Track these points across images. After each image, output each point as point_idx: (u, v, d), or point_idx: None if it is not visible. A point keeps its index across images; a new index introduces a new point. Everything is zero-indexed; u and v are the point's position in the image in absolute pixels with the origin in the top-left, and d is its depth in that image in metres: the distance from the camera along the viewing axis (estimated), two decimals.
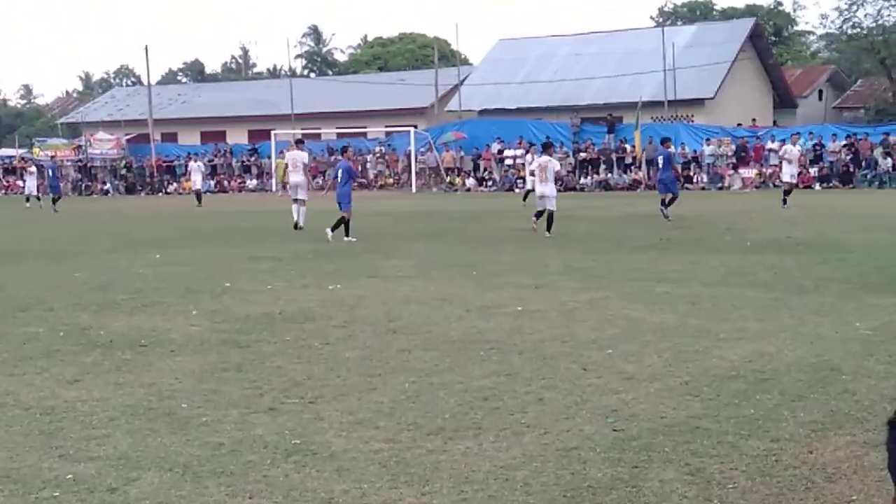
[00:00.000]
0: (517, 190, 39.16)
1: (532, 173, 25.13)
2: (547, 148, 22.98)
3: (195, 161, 42.67)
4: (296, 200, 24.02)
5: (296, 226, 23.74)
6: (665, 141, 26.32)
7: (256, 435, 6.52)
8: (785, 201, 26.85)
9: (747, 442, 6.15)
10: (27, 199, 41.71)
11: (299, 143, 27.00)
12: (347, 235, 20.57)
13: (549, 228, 20.87)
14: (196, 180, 39.33)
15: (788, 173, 28.49)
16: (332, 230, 20.52)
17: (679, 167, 30.48)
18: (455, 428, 6.58)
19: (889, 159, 39.01)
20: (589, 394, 7.41)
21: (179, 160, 54.92)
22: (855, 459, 5.80)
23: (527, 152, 40.08)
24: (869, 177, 39.10)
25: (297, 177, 24.25)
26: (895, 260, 15.18)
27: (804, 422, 6.57)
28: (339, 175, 21.53)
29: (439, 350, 9.10)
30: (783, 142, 41.42)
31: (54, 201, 37.95)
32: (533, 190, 24.50)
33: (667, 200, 24.28)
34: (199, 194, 38.17)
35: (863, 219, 22.82)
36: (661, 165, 25.19)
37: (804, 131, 42.61)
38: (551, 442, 6.24)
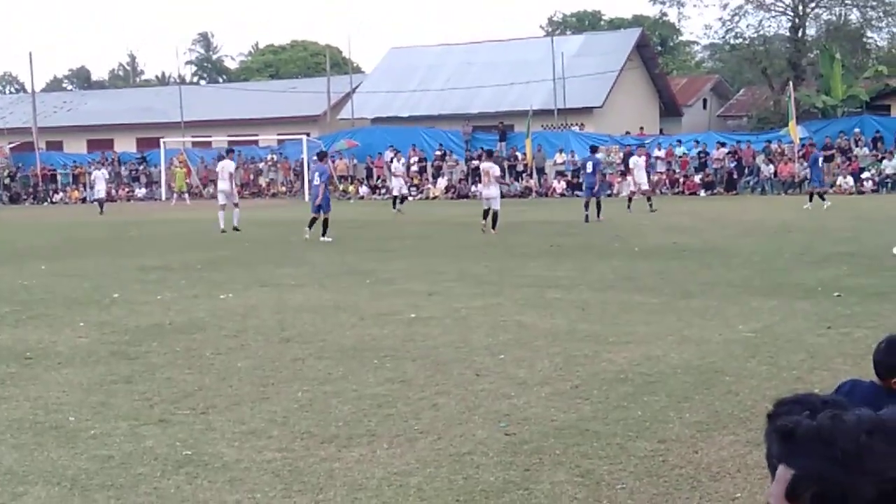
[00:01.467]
0: (410, 199, 39.26)
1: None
2: (490, 155, 26.03)
3: (99, 169, 42.09)
4: (223, 207, 25.43)
5: (223, 230, 24.95)
6: (594, 148, 29.44)
7: (147, 447, 6.44)
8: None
9: (635, 443, 6.30)
10: None
11: (229, 152, 28.39)
12: (325, 235, 22.02)
13: (493, 226, 22.81)
14: (100, 188, 39.08)
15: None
16: (310, 227, 22.33)
17: (604, 174, 32.32)
18: (349, 435, 6.60)
19: (771, 166, 40.15)
20: (482, 399, 7.49)
21: (66, 169, 53.67)
22: (738, 458, 5.99)
23: (392, 159, 40.93)
24: (752, 184, 40.19)
25: (224, 184, 25.91)
26: (776, 264, 15.65)
27: (690, 422, 6.75)
28: (317, 178, 22.88)
29: (333, 358, 9.10)
30: (671, 147, 42.48)
31: None
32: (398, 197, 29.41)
33: (597, 203, 26.54)
34: (101, 202, 38.28)
35: (746, 224, 23.46)
36: (588, 171, 27.22)
37: (688, 139, 43.67)
38: (444, 447, 6.31)
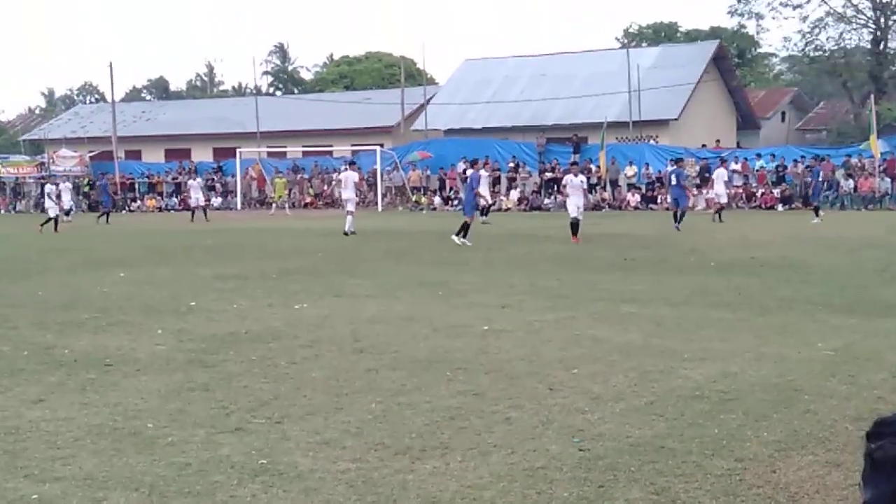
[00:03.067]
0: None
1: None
2: (475, 164, 27.62)
3: (194, 179, 43.09)
4: (350, 213, 28.06)
5: (346, 233, 27.28)
6: (678, 161, 30.88)
7: (223, 455, 6.51)
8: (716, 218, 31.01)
9: (711, 461, 6.21)
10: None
11: (352, 164, 31.91)
12: (465, 236, 23.51)
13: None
14: (197, 197, 40.15)
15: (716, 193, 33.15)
16: (457, 235, 23.56)
17: (688, 186, 32.97)
18: (422, 448, 6.60)
19: (850, 181, 39.48)
20: (555, 413, 7.45)
21: (143, 177, 54.65)
22: (817, 479, 5.88)
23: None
24: (831, 198, 39.54)
25: (348, 193, 29.00)
26: (856, 280, 15.36)
27: (767, 441, 6.64)
28: (471, 183, 25.39)
29: (406, 370, 9.11)
30: (746, 161, 41.94)
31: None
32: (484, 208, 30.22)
33: (678, 214, 27.61)
34: (204, 210, 39.83)
35: (824, 240, 23.06)
36: (673, 182, 28.58)
37: (766, 152, 43.10)
38: (518, 462, 6.28)
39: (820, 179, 33.81)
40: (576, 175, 25.65)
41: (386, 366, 9.32)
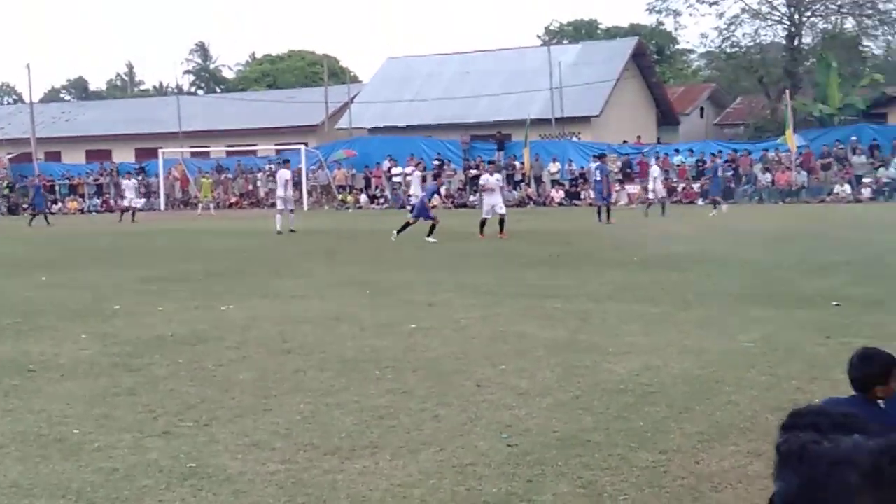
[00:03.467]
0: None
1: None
2: (438, 177, 29.18)
3: (130, 179, 42.35)
4: (280, 211, 28.17)
5: (279, 232, 27.44)
6: (602, 156, 31.96)
7: (151, 459, 6.47)
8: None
9: (636, 454, 6.34)
10: None
11: (286, 162, 32.14)
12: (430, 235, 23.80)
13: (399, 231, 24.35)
14: (131, 197, 39.93)
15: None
16: (428, 236, 23.80)
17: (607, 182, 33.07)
18: (351, 447, 6.63)
19: (768, 175, 40.25)
20: (483, 410, 7.53)
21: (63, 179, 53.70)
22: (739, 469, 6.03)
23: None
24: (749, 192, 40.26)
25: (280, 191, 28.71)
26: (775, 273, 15.69)
27: (691, 433, 6.79)
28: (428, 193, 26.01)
29: (334, 369, 9.13)
30: (667, 156, 42.54)
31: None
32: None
33: (601, 210, 28.39)
34: (133, 211, 39.17)
35: (743, 234, 23.51)
36: (597, 178, 29.55)
37: (685, 148, 43.76)
38: (447, 459, 6.34)
39: (718, 174, 35.52)
40: (492, 174, 25.99)
41: (314, 366, 9.32)
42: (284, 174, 29.26)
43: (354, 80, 63.85)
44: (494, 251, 20.96)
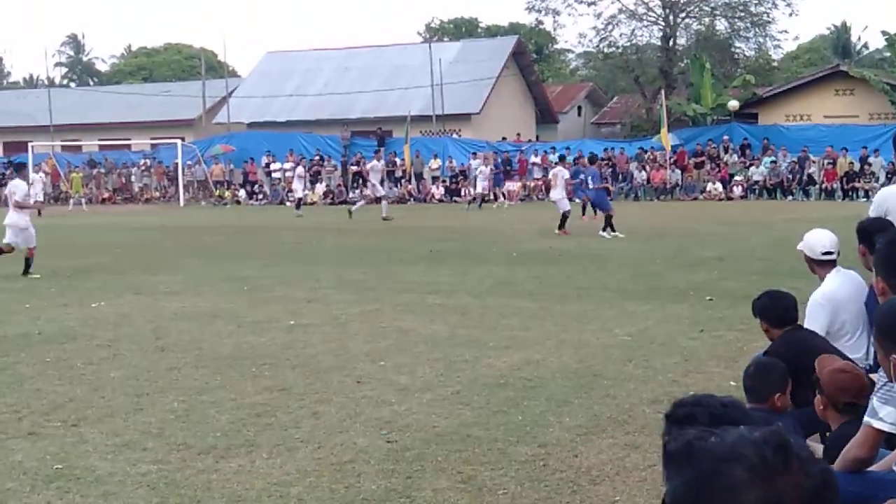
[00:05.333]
0: (287, 203, 38.96)
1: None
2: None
3: (36, 172, 40.64)
4: None
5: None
6: (562, 159, 30.97)
7: (15, 461, 6.22)
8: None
9: (516, 448, 6.33)
10: None
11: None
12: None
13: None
14: (38, 191, 37.98)
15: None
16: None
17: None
18: (227, 446, 6.48)
19: (643, 173, 41.03)
20: (363, 406, 7.44)
21: None
22: (617, 461, 6.07)
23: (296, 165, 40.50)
24: (625, 189, 40.97)
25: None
26: (650, 268, 15.97)
27: (569, 426, 6.82)
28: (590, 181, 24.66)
29: (210, 367, 8.93)
30: (545, 154, 42.99)
31: None
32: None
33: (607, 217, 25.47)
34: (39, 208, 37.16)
35: (620, 229, 23.86)
36: (590, 186, 26.33)
37: (563, 146, 44.29)
38: (325, 456, 6.24)
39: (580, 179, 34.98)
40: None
41: (189, 364, 9.10)
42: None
43: (233, 74, 62.90)
44: (375, 248, 20.86)
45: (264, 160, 46.47)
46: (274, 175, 46.00)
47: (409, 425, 6.90)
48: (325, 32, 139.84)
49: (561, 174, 25.88)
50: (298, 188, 35.68)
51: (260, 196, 45.59)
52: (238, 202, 44.87)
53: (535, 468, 5.96)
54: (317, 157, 46.01)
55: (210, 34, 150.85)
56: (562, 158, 30.91)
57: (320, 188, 44.73)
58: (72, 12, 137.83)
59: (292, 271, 16.52)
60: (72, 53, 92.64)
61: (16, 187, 17.37)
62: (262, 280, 15.33)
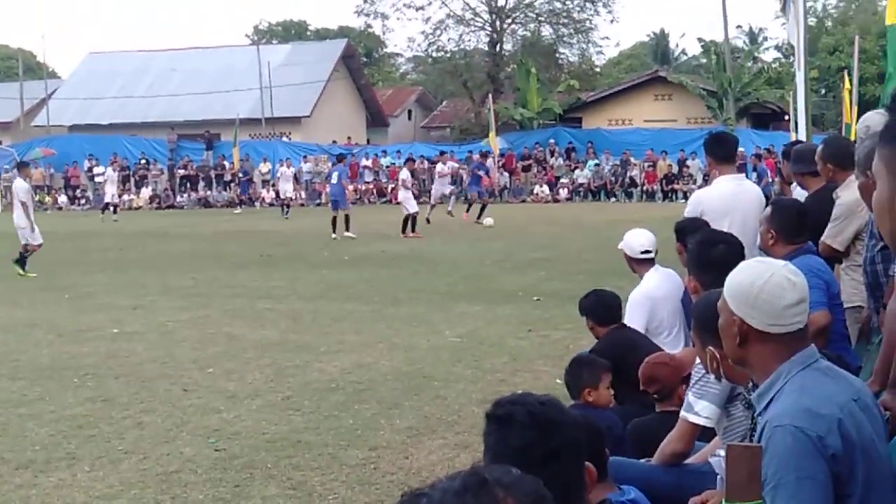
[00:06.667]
0: (109, 210, 37.85)
1: None
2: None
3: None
4: None
5: None
6: (341, 157, 28.86)
7: None
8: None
9: (347, 452, 6.32)
10: None
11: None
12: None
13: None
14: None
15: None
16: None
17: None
18: (46, 460, 6.26)
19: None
20: (190, 415, 7.30)
21: None
22: (447, 461, 6.13)
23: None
24: (456, 192, 41.35)
25: None
26: (479, 270, 16.18)
27: (400, 429, 6.85)
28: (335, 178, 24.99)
29: (28, 378, 8.61)
30: (376, 157, 43.05)
31: None
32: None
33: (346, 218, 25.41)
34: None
35: (449, 233, 24.10)
36: (334, 181, 26.05)
37: (393, 149, 44.48)
38: (150, 467, 6.10)
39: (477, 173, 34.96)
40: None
41: (5, 375, 8.75)
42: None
43: (53, 75, 60.78)
44: (203, 253, 20.46)
45: (87, 164, 45.05)
46: (97, 179, 44.56)
47: (237, 433, 6.81)
48: (150, 34, 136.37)
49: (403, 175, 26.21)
50: (109, 192, 34.63)
51: (83, 201, 44.16)
52: (60, 208, 43.35)
53: (365, 472, 5.97)
54: (142, 161, 44.89)
55: (28, 34, 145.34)
56: (340, 158, 28.60)
57: (146, 192, 43.63)
58: None
59: (117, 278, 16.07)
60: None
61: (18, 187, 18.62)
62: (84, 288, 14.86)
